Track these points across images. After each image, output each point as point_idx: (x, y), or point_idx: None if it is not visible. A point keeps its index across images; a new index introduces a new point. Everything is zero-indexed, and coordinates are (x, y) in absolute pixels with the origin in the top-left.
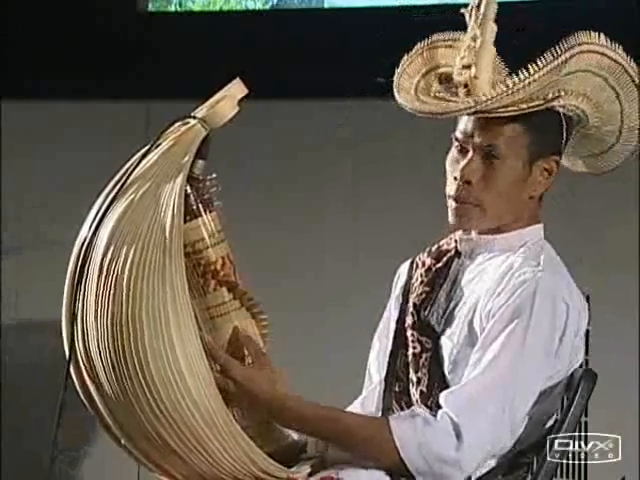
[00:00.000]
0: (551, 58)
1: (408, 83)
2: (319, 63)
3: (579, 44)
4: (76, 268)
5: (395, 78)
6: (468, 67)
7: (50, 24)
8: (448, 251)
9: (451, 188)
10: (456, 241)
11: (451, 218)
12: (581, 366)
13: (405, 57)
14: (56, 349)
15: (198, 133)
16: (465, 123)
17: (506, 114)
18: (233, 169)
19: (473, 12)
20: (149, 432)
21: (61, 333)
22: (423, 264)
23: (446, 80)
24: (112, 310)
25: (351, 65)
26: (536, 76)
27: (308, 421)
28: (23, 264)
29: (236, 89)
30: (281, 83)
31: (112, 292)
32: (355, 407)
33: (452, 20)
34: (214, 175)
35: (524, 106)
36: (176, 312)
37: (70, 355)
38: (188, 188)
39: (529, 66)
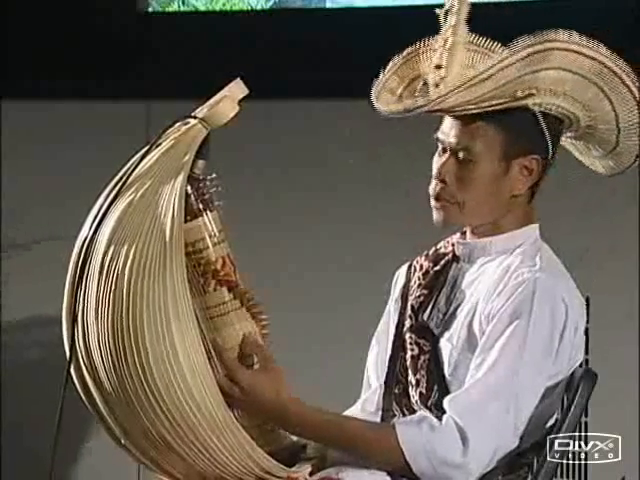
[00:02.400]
0: (504, 56)
1: (390, 91)
2: (319, 63)
3: (540, 42)
4: (77, 267)
5: (376, 84)
6: (439, 67)
7: (50, 24)
8: (446, 254)
9: (431, 186)
10: (453, 245)
11: (434, 215)
12: (581, 365)
13: (390, 64)
14: (57, 348)
15: (199, 133)
16: (445, 123)
17: (467, 112)
18: (233, 169)
19: (448, 13)
20: (150, 431)
21: (61, 332)
22: (421, 267)
23: (425, 83)
24: (113, 309)
25: (351, 65)
26: (484, 75)
27: (312, 427)
28: (23, 263)
29: (237, 89)
30: (281, 83)
31: (113, 291)
32: (355, 409)
33: None
34: (214, 175)
35: (486, 104)
36: (177, 311)
37: (71, 354)
38: (189, 188)
39: (481, 64)
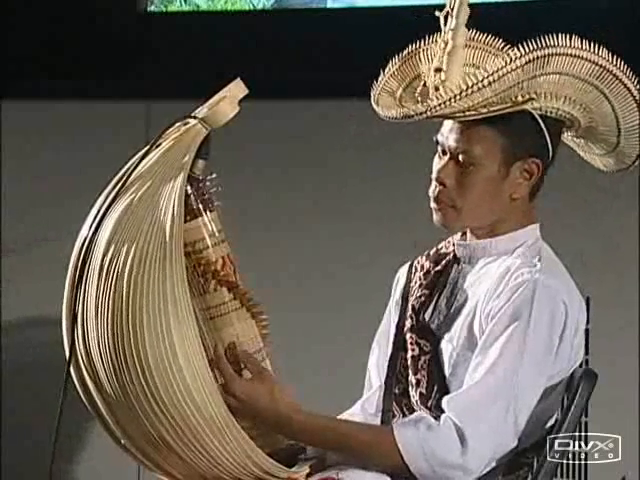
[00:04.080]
0: (503, 64)
1: (395, 85)
2: (320, 63)
3: (539, 49)
4: (77, 267)
5: (376, 86)
6: (439, 70)
7: (50, 24)
8: (447, 255)
9: (431, 188)
10: (454, 245)
11: (434, 216)
12: (581, 366)
13: (388, 65)
14: (56, 349)
15: (198, 133)
16: (445, 126)
17: (467, 118)
18: (233, 169)
19: (448, 15)
20: (150, 432)
21: (61, 332)
22: (422, 267)
23: (424, 84)
24: (112, 310)
25: (352, 65)
26: (485, 82)
27: (309, 432)
28: (23, 263)
29: (236, 89)
30: (281, 83)
31: (112, 292)
32: (355, 409)
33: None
34: (214, 175)
35: (485, 110)
36: (176, 312)
37: (70, 355)
38: (188, 188)
39: (478, 72)
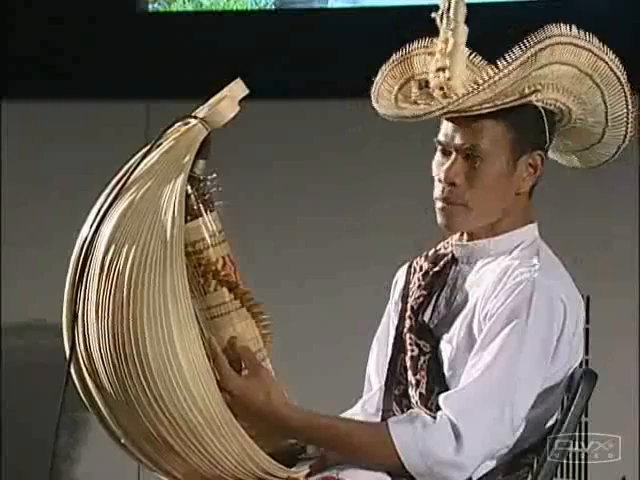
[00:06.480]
0: (520, 53)
1: (387, 92)
2: (320, 63)
3: (548, 37)
4: (77, 268)
5: (374, 87)
6: (442, 70)
7: (50, 24)
8: (445, 255)
9: (437, 190)
10: (452, 246)
11: (439, 219)
12: (581, 366)
13: (383, 67)
14: (57, 349)
15: (199, 133)
16: (446, 125)
17: (482, 111)
18: (233, 169)
19: (444, 15)
20: (150, 431)
21: (62, 332)
22: (420, 268)
23: (425, 85)
24: (113, 310)
25: (353, 65)
26: (505, 71)
27: (306, 431)
28: (23, 264)
29: (237, 89)
30: (281, 83)
31: (113, 292)
32: (356, 410)
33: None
34: (215, 175)
35: (499, 102)
36: (177, 312)
37: (71, 355)
38: (189, 188)
39: (498, 62)
